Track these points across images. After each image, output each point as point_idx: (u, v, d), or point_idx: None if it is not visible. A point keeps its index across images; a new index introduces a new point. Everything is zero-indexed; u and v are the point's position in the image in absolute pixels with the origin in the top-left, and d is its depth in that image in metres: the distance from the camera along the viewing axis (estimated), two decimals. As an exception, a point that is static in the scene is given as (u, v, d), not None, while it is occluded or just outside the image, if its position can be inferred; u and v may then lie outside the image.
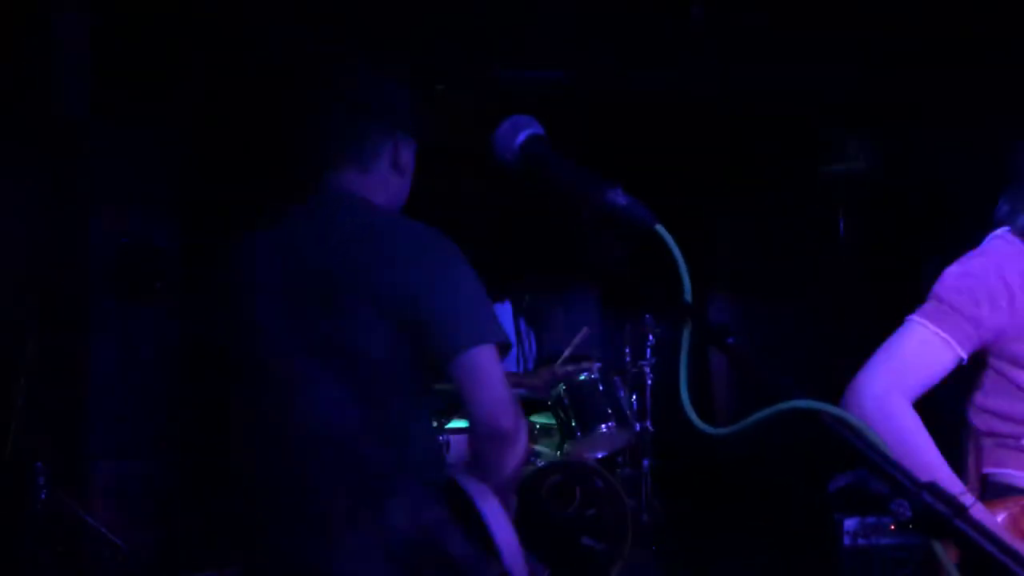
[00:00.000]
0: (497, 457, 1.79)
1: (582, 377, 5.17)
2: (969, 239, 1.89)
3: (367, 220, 1.86)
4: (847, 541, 3.57)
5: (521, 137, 1.29)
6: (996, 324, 1.74)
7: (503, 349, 1.81)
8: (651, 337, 5.11)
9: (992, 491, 1.79)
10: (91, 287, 4.69)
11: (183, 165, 4.97)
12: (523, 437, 1.80)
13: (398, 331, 1.78)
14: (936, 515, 0.95)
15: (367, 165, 1.94)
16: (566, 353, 4.62)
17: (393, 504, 1.75)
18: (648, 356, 5.13)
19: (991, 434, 1.80)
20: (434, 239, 1.82)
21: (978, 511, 1.69)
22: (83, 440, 4.68)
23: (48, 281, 4.34)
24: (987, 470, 1.80)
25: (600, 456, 5.02)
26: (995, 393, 1.80)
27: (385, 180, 1.97)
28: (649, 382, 5.19)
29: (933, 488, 0.96)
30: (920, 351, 1.76)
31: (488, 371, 1.77)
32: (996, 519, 1.71)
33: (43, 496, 3.37)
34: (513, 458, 1.80)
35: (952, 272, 1.81)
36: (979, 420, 1.83)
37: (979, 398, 1.83)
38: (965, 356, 1.76)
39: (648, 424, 5.19)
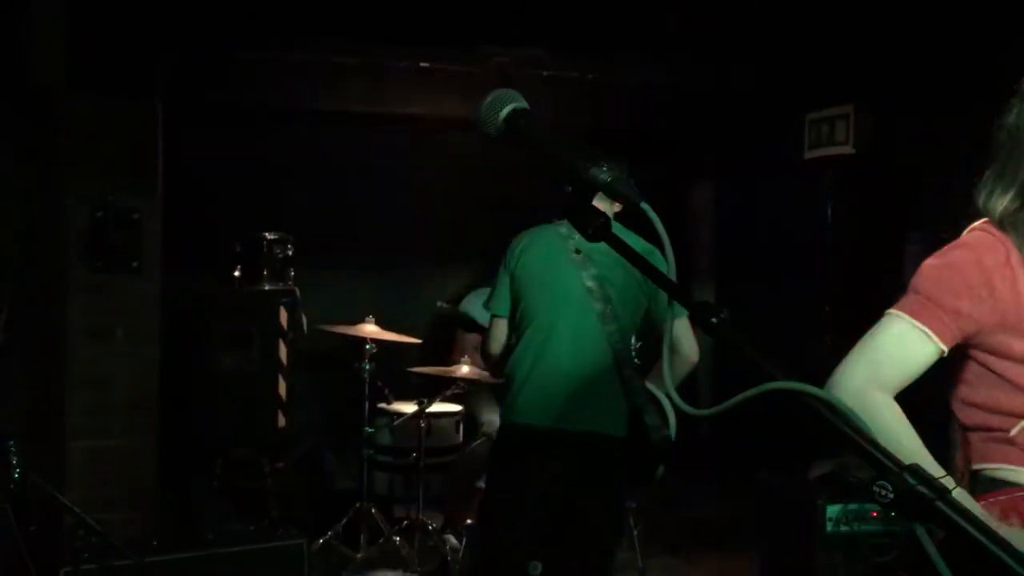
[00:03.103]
0: (684, 374, 3.41)
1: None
2: (954, 225, 1.88)
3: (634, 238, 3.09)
4: (829, 528, 3.59)
5: (505, 111, 1.28)
6: (977, 316, 1.72)
7: None
8: (635, 321, 5.10)
9: (982, 486, 1.77)
10: (68, 261, 4.64)
11: (167, 155, 4.92)
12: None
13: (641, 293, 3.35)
14: (918, 497, 0.95)
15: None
16: None
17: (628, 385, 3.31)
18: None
19: (978, 428, 1.78)
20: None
21: (960, 495, 1.68)
22: (58, 418, 4.65)
23: (25, 253, 4.29)
24: (977, 465, 1.78)
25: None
26: (980, 386, 1.77)
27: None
28: (633, 366, 5.19)
29: (916, 470, 0.96)
30: (898, 344, 1.74)
31: (690, 329, 3.33)
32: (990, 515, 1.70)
33: (16, 475, 3.35)
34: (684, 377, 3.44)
35: (931, 264, 1.78)
36: (965, 415, 1.80)
37: (964, 392, 1.80)
38: (946, 348, 1.73)
39: (631, 408, 5.20)
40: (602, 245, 3.16)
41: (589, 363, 3.29)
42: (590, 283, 3.29)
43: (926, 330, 1.72)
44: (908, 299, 1.77)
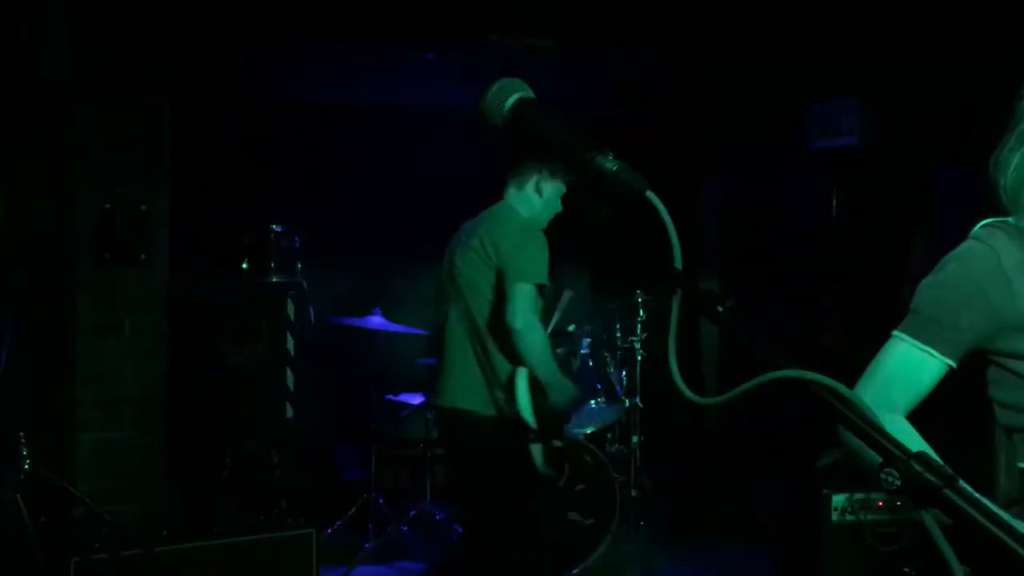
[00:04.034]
0: (520, 350, 3.33)
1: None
2: (960, 217, 1.88)
3: (502, 216, 3.53)
4: (835, 517, 3.58)
5: (510, 101, 1.27)
6: (977, 327, 1.75)
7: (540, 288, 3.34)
8: (641, 312, 5.11)
9: None
10: (76, 255, 4.64)
11: (172, 131, 4.92)
12: (527, 334, 3.29)
13: (486, 267, 3.42)
14: (925, 484, 0.94)
15: (520, 186, 3.54)
16: (554, 319, 4.64)
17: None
18: (638, 332, 5.13)
19: (1015, 428, 1.80)
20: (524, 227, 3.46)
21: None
22: (68, 411, 4.66)
23: (33, 248, 4.30)
24: (1023, 464, 1.80)
25: (589, 432, 5.03)
26: (1005, 387, 1.79)
27: (528, 199, 3.53)
28: (639, 358, 5.19)
29: (923, 457, 0.96)
30: (902, 365, 1.78)
31: (521, 296, 3.28)
32: None
33: (26, 467, 3.36)
34: (525, 348, 3.32)
35: (927, 283, 1.82)
36: (1001, 415, 1.83)
37: (995, 393, 1.83)
38: (954, 363, 1.77)
39: (637, 400, 5.20)
40: (468, 232, 3.52)
41: (451, 343, 3.54)
42: (447, 268, 3.60)
43: (929, 350, 1.76)
44: (909, 320, 1.81)
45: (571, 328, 5.06)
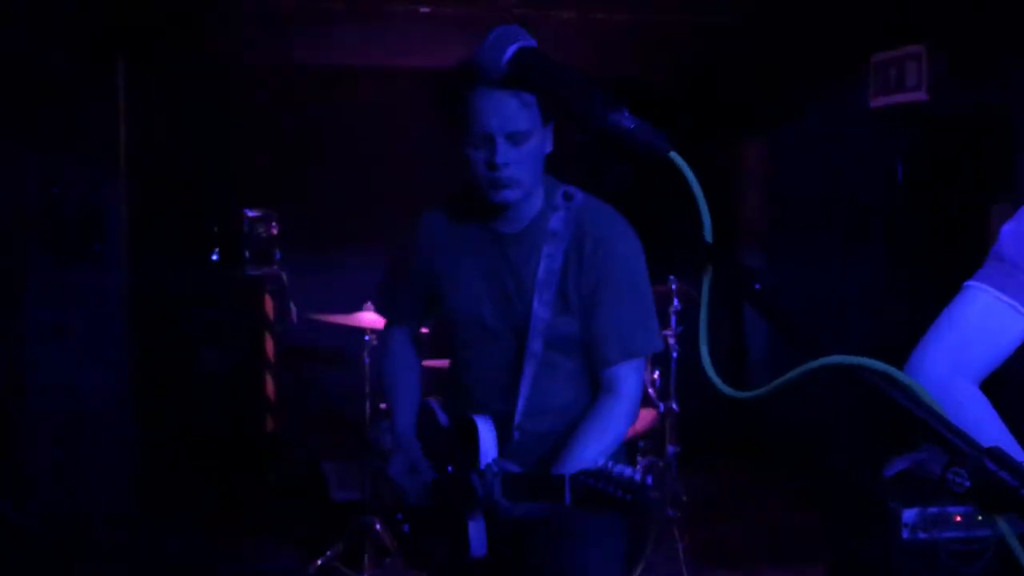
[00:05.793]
0: None
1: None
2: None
3: None
4: (906, 534, 3.57)
5: (510, 51, 1.27)
6: None
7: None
8: (676, 302, 5.08)
9: None
10: (21, 248, 4.67)
11: (130, 120, 4.94)
12: None
13: None
14: (999, 484, 0.94)
15: None
16: None
17: None
18: (673, 325, 5.10)
19: None
20: None
21: None
22: (19, 427, 4.69)
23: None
24: None
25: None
26: None
27: None
28: (674, 355, 5.16)
29: (996, 453, 0.95)
30: (983, 321, 1.72)
31: None
32: None
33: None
34: None
35: (1012, 228, 1.77)
36: None
37: None
38: None
39: (673, 404, 5.18)
40: None
41: None
42: None
43: (1013, 303, 1.71)
44: (990, 268, 1.76)
45: None
